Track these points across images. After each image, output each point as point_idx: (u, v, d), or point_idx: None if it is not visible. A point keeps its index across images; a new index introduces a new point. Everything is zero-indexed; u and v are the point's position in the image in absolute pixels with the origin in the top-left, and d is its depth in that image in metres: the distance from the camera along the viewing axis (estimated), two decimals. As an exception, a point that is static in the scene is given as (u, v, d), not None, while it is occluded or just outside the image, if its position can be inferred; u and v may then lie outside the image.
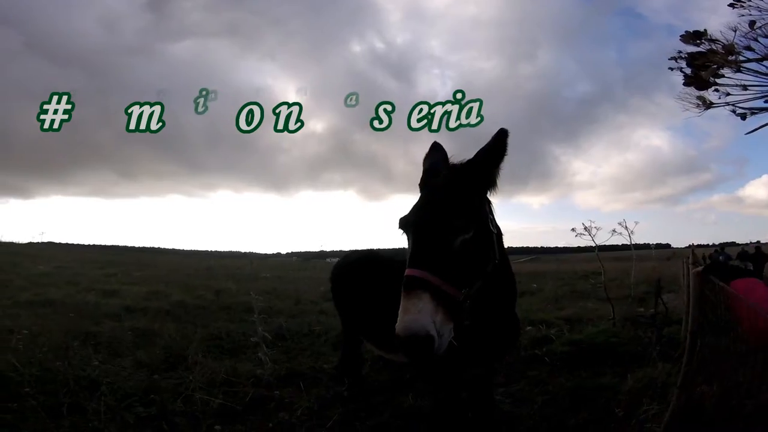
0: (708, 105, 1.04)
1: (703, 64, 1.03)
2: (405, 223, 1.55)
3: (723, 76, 1.09)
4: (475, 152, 1.64)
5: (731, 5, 1.14)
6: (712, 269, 1.81)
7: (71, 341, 4.37)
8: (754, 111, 1.03)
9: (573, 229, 6.71)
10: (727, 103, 1.07)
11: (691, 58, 1.04)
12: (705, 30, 1.13)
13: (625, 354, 4.21)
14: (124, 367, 3.84)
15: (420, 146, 1.90)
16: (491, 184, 1.66)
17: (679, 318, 5.18)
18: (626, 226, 7.59)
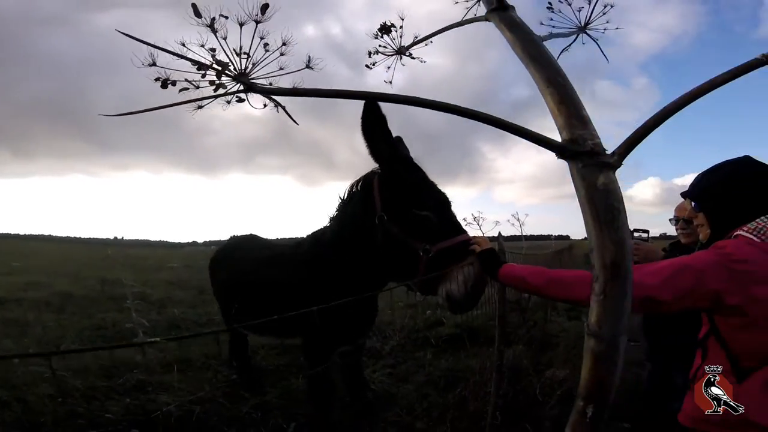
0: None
1: None
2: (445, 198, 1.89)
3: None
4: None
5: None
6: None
7: None
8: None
9: (464, 219, 7.23)
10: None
11: None
12: (392, 24, 0.95)
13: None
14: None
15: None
16: None
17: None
18: (518, 218, 8.36)
